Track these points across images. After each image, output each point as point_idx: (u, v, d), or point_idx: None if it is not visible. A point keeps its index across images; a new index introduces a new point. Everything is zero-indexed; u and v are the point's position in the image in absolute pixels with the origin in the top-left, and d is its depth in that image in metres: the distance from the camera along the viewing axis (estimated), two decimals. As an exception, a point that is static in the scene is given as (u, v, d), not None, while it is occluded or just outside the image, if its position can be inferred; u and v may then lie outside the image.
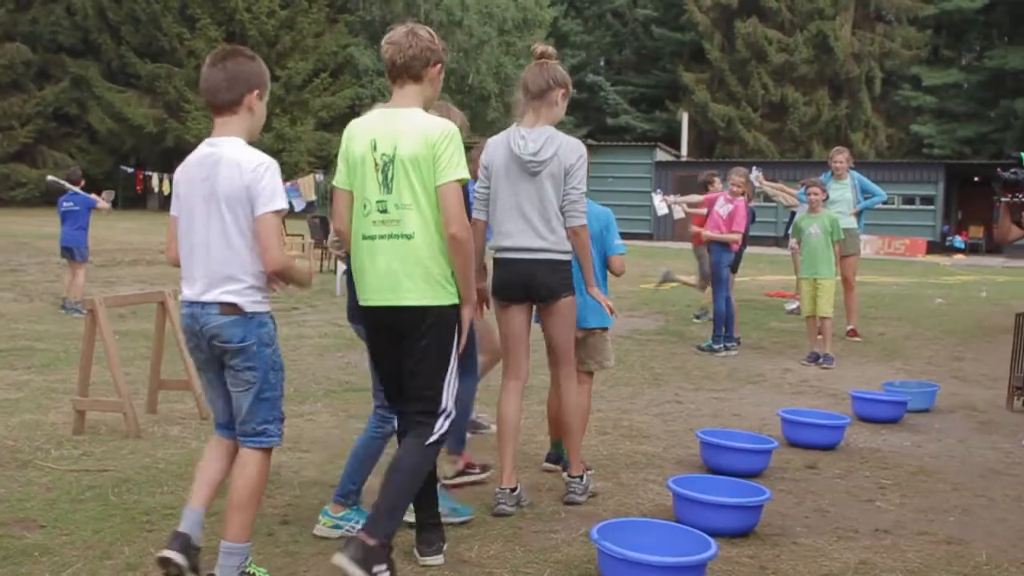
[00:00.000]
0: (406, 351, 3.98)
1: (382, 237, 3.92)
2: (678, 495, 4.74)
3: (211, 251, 3.71)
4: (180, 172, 3.90)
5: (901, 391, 7.89)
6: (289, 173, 43.01)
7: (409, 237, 3.90)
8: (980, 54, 51.07)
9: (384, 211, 3.91)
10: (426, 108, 4.08)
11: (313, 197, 39.73)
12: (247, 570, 3.77)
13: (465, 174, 3.93)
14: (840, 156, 12.16)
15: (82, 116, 46.02)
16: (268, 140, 43.83)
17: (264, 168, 3.68)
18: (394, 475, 3.91)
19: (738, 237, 10.38)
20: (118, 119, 44.58)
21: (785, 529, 4.84)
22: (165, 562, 3.68)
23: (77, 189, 12.82)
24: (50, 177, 13.95)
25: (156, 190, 43.22)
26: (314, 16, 45.06)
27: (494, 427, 6.47)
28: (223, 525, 3.78)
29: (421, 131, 3.89)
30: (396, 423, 4.29)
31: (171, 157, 46.23)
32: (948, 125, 49.09)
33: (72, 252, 12.61)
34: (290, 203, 31.80)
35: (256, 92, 3.86)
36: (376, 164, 3.92)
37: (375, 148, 3.92)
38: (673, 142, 42.01)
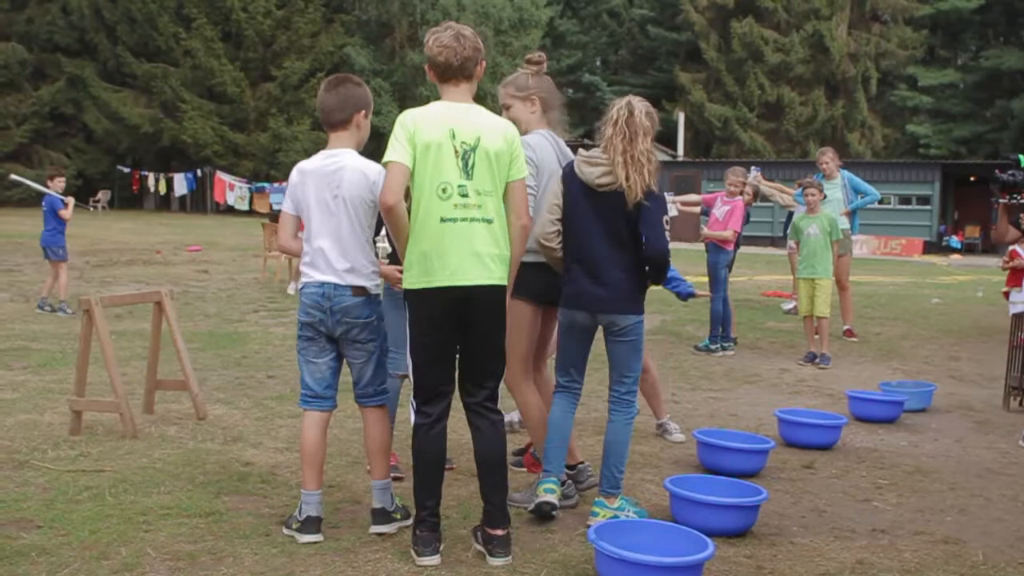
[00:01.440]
0: (482, 331, 4.24)
1: (464, 220, 4.14)
2: (675, 495, 4.74)
3: (342, 244, 4.42)
4: (298, 176, 4.53)
5: (898, 391, 7.90)
6: (286, 172, 43.05)
7: (490, 222, 4.18)
8: (976, 54, 51.15)
9: (465, 195, 4.14)
10: None
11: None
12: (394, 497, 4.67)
13: (526, 172, 4.37)
14: (824, 157, 12.21)
15: (78, 116, 46.03)
16: (264, 139, 43.88)
17: (383, 176, 4.22)
18: (500, 468, 4.29)
19: (729, 234, 10.38)
20: (114, 119, 44.58)
21: (782, 529, 4.84)
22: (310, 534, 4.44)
23: (45, 189, 12.75)
24: (13, 176, 13.86)
25: (152, 190, 43.46)
26: (310, 16, 45.06)
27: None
28: (372, 469, 4.60)
29: (501, 129, 4.27)
30: (421, 415, 4.28)
31: (167, 157, 46.27)
32: (944, 125, 49.15)
33: (45, 252, 12.66)
34: (272, 205, 31.59)
35: (363, 112, 4.56)
36: (456, 151, 4.14)
37: (454, 136, 4.15)
38: (669, 142, 42.01)
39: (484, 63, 4.37)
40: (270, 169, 43.96)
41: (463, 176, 4.15)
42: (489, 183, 4.19)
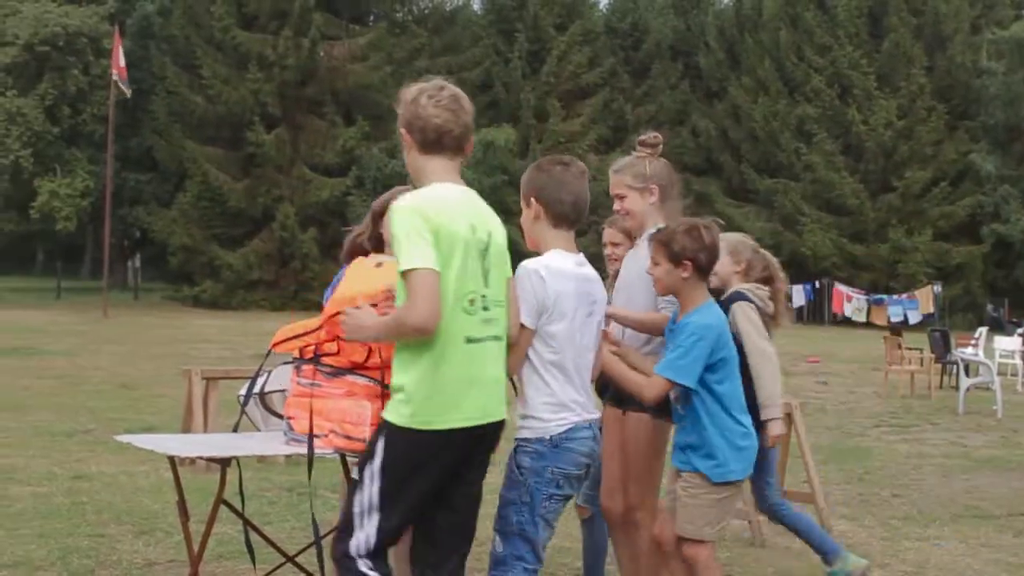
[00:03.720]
0: (475, 480, 3.45)
1: (486, 339, 3.35)
2: None
3: (590, 365, 3.74)
4: (562, 286, 3.59)
5: None
6: (905, 284, 41.85)
7: (501, 339, 3.43)
8: None
9: (487, 308, 3.34)
10: None
11: (931, 309, 38.40)
12: None
13: None
14: None
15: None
16: (884, 251, 43.13)
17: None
18: None
19: None
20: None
21: None
22: None
23: None
24: None
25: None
26: (933, 124, 43.84)
27: None
28: None
29: (496, 218, 3.48)
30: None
31: (786, 269, 46.67)
32: None
33: None
34: (905, 315, 30.74)
35: None
36: (479, 252, 3.33)
37: (474, 232, 3.31)
38: None
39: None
40: (889, 280, 43.02)
41: (483, 283, 3.34)
42: (502, 291, 3.42)
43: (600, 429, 3.76)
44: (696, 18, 52.05)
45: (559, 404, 3.56)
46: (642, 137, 4.58)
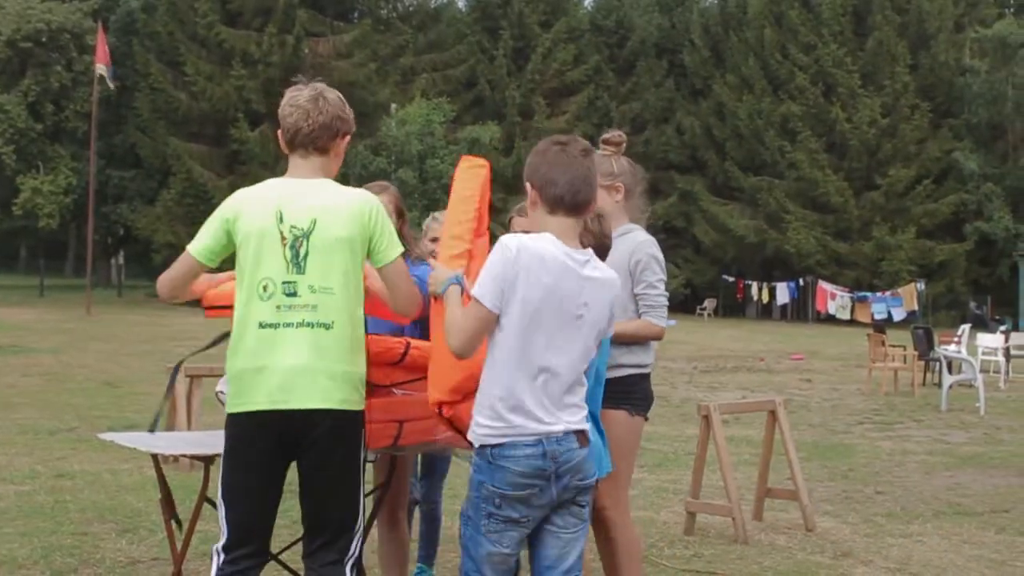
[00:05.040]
0: (313, 468, 3.37)
1: (289, 325, 3.32)
2: None
3: (570, 373, 3.21)
4: (535, 270, 3.15)
5: None
6: (889, 282, 42.04)
7: (328, 327, 3.33)
8: None
9: (293, 294, 3.33)
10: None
11: (915, 307, 38.57)
12: None
13: (401, 247, 3.49)
14: None
15: (688, 228, 48.81)
16: (867, 249, 43.32)
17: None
18: None
19: None
20: (721, 231, 46.65)
21: None
22: None
23: None
24: None
25: (755, 298, 44.67)
26: (916, 122, 44.05)
27: None
28: None
29: (350, 207, 3.40)
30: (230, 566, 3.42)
31: (770, 266, 47.39)
32: None
33: None
34: (889, 313, 30.93)
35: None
36: (283, 239, 3.35)
37: (281, 220, 3.36)
38: None
39: (348, 139, 3.57)
40: (872, 278, 43.21)
41: (292, 270, 3.33)
42: (331, 278, 3.34)
43: (576, 441, 3.19)
44: (681, 16, 52.18)
45: (498, 412, 3.11)
46: (606, 136, 4.50)
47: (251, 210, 3.38)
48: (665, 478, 8.48)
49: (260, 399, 3.30)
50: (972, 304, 41.37)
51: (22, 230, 50.70)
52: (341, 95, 3.58)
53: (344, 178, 40.02)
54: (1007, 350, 18.94)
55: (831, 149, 44.99)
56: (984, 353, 18.57)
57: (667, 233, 48.52)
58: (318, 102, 3.47)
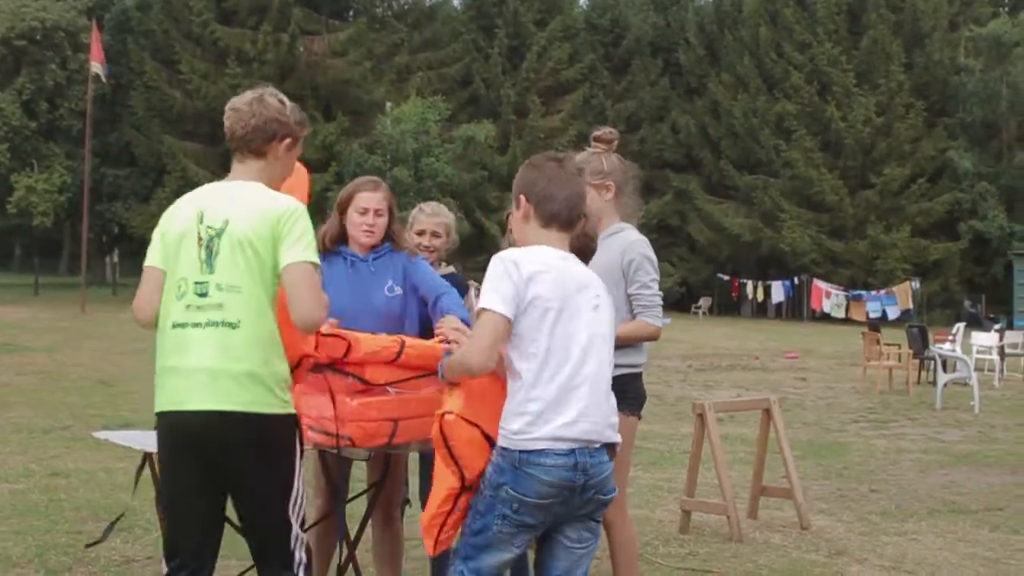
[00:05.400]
0: (230, 473, 3.25)
1: (196, 325, 3.23)
2: None
3: (598, 372, 3.19)
4: (542, 273, 3.19)
5: None
6: (884, 280, 42.09)
7: (234, 326, 3.21)
8: None
9: (203, 294, 3.25)
10: (274, 187, 3.48)
11: (910, 305, 38.62)
12: None
13: (315, 256, 3.31)
14: None
15: (683, 227, 48.82)
16: (862, 247, 43.34)
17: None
18: None
19: None
20: (716, 229, 46.66)
21: None
22: None
23: None
24: None
25: (750, 297, 44.69)
26: (911, 121, 44.09)
27: None
28: None
29: (264, 207, 3.31)
30: None
31: (765, 265, 47.42)
32: None
33: None
34: (884, 311, 30.88)
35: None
36: (200, 238, 3.29)
37: (201, 220, 3.31)
38: None
39: (289, 142, 3.48)
40: (867, 277, 43.26)
41: (204, 270, 3.26)
42: (237, 276, 3.23)
43: (607, 454, 3.14)
44: (676, 14, 52.15)
45: (533, 414, 3.05)
46: (597, 133, 4.48)
47: (179, 214, 3.38)
48: (660, 476, 8.48)
49: (164, 400, 3.26)
50: (966, 303, 41.39)
51: (16, 228, 50.57)
52: (286, 100, 3.51)
53: (339, 176, 39.88)
54: (1001, 349, 18.96)
55: (826, 148, 45.02)
56: (978, 352, 18.60)
57: (662, 232, 48.52)
58: (254, 105, 3.42)
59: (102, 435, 4.74)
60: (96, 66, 31.23)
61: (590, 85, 48.82)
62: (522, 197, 3.30)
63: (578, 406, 3.07)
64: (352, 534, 4.46)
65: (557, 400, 3.05)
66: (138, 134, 42.24)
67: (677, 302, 45.97)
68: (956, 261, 43.95)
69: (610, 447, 3.12)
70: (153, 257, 3.36)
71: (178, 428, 3.23)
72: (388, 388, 3.84)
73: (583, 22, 51.53)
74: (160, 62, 41.40)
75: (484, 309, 3.09)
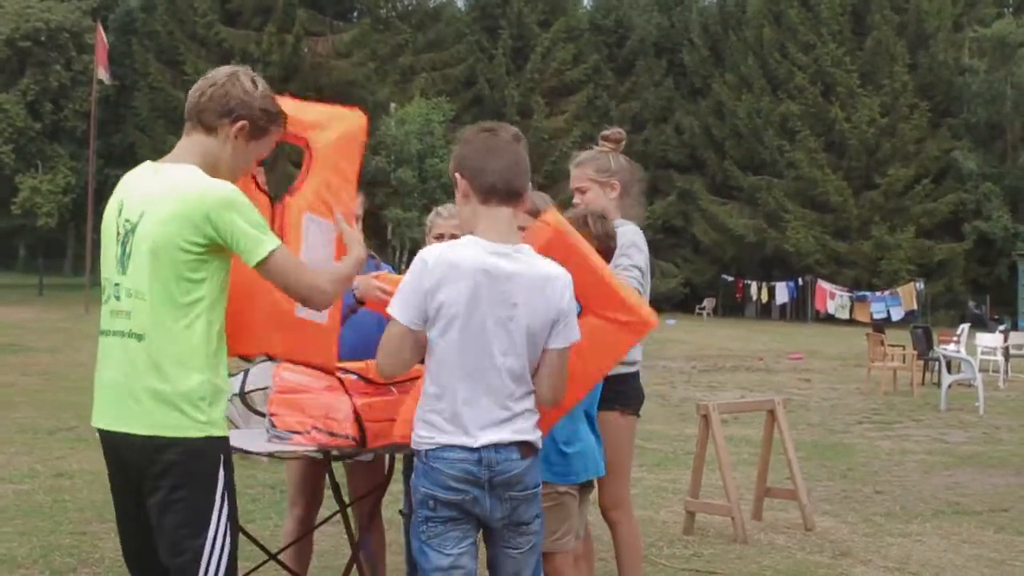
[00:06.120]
0: (144, 499, 2.92)
1: (109, 333, 2.93)
2: None
3: (503, 378, 3.02)
4: (452, 281, 2.96)
5: None
6: (888, 281, 42.04)
7: (139, 338, 2.85)
8: None
9: (118, 297, 2.90)
10: (214, 173, 2.98)
11: (914, 306, 38.57)
12: None
13: (275, 240, 2.92)
14: None
15: (687, 228, 48.83)
16: (867, 248, 43.29)
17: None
18: None
19: None
20: (720, 230, 46.66)
21: None
22: None
23: None
24: None
25: (754, 298, 44.68)
26: (915, 122, 44.06)
27: None
28: None
29: (176, 199, 2.85)
30: None
31: (769, 266, 47.41)
32: None
33: None
34: (888, 312, 30.82)
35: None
36: (118, 233, 2.93)
37: (120, 212, 2.95)
38: None
39: (244, 126, 3.01)
40: (872, 278, 43.23)
41: (119, 269, 2.91)
42: (142, 280, 2.85)
43: (518, 452, 3.00)
44: (680, 15, 52.19)
45: (433, 421, 2.97)
46: (606, 132, 4.43)
47: (110, 202, 3.02)
48: (664, 477, 8.48)
49: (95, 416, 2.98)
50: (971, 303, 41.38)
51: (21, 229, 50.65)
52: (261, 84, 3.10)
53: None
54: (1006, 349, 18.95)
55: (830, 148, 44.99)
56: (983, 352, 18.57)
57: (666, 232, 48.51)
58: (220, 77, 3.04)
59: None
60: (101, 72, 31.27)
61: (594, 86, 48.83)
62: (457, 175, 3.08)
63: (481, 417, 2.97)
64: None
65: (459, 414, 2.96)
66: (142, 135, 42.29)
67: (681, 303, 45.98)
68: (960, 262, 43.92)
69: (522, 445, 3.00)
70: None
71: (104, 444, 2.99)
72: (391, 388, 3.83)
73: (587, 23, 51.54)
74: (164, 63, 41.48)
75: (391, 316, 2.99)
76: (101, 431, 2.96)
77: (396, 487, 4.81)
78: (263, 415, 3.97)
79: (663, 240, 48.35)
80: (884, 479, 8.74)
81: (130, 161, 45.38)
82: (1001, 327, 24.15)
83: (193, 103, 3.02)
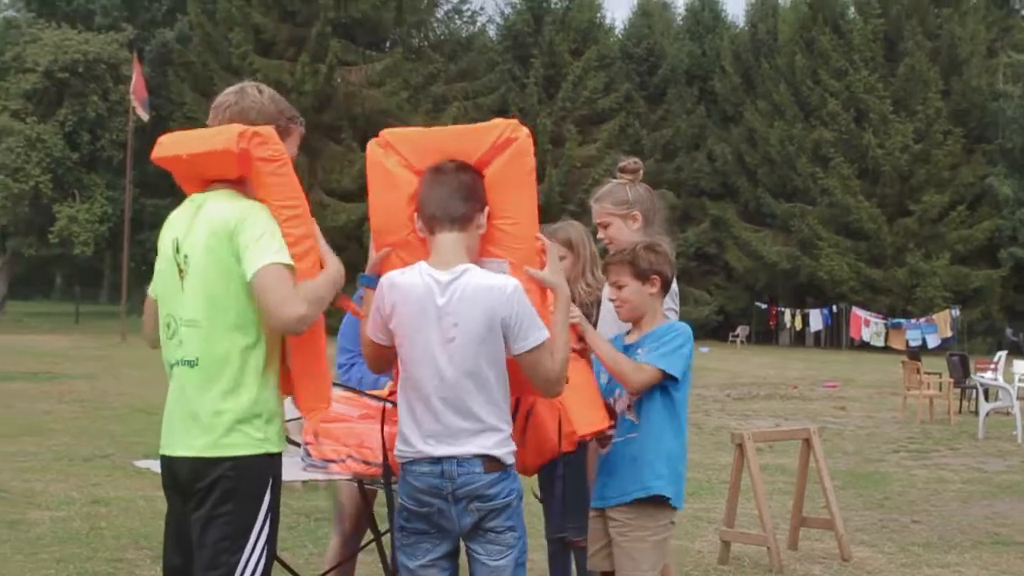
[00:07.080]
0: (192, 524, 2.99)
1: (175, 364, 3.05)
2: None
3: (467, 393, 3.18)
4: (401, 303, 3.16)
5: None
6: (923, 308, 41.68)
7: (192, 364, 2.99)
8: None
9: (176, 331, 3.05)
10: (258, 187, 3.07)
11: (949, 333, 38.20)
12: None
13: (288, 258, 2.92)
14: None
15: (720, 255, 48.68)
16: (901, 275, 42.96)
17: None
18: None
19: None
20: (754, 257, 46.47)
21: None
22: None
23: None
24: None
25: (788, 325, 44.43)
26: (949, 148, 43.78)
27: None
28: None
29: (215, 222, 2.96)
30: None
31: (803, 293, 47.16)
32: None
33: None
34: (924, 339, 30.48)
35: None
36: (180, 270, 3.02)
37: (177, 249, 3.04)
38: None
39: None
40: (907, 305, 42.86)
41: (177, 304, 3.04)
42: (196, 309, 2.97)
43: (481, 465, 3.10)
44: (711, 43, 52.19)
45: (404, 436, 3.16)
46: (622, 164, 4.43)
47: (163, 238, 3.13)
48: (699, 507, 8.42)
49: (162, 443, 3.12)
50: (1008, 331, 40.90)
51: (58, 258, 51.17)
52: (267, 90, 3.25)
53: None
54: (1044, 377, 18.70)
55: (863, 175, 44.76)
56: (1020, 380, 18.29)
57: (699, 260, 48.35)
58: (230, 97, 3.23)
59: (143, 464, 4.78)
60: (137, 106, 31.69)
61: (626, 114, 48.87)
62: (415, 215, 3.24)
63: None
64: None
65: (422, 429, 3.14)
66: (178, 164, 42.69)
67: (715, 330, 45.77)
68: (997, 288, 43.47)
69: (485, 458, 3.09)
70: (152, 286, 3.19)
71: (162, 469, 3.15)
72: None
73: (618, 51, 51.64)
74: (199, 93, 41.90)
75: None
76: (162, 457, 3.09)
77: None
78: (296, 444, 3.99)
79: (696, 267, 48.19)
80: (921, 508, 8.64)
81: (165, 190, 46.09)
82: (1039, 354, 23.84)
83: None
